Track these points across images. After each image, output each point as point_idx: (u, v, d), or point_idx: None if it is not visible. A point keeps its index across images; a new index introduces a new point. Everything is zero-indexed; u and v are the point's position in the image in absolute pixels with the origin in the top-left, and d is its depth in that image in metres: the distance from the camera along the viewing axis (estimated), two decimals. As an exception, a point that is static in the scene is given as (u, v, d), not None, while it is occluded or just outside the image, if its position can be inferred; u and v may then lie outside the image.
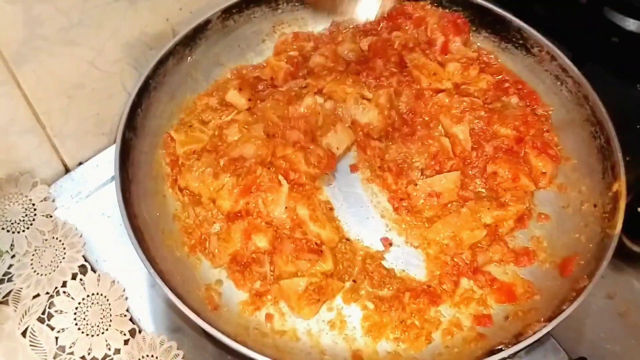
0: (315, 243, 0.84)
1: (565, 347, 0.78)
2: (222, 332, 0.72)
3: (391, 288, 0.84)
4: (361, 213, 0.92)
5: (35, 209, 0.96)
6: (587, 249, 0.82)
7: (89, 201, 1.00)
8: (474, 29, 1.03)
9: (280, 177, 0.88)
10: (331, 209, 0.91)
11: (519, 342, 0.70)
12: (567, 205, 0.90)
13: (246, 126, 0.94)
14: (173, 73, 0.97)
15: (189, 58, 0.99)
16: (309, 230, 0.86)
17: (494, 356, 0.70)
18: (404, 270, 0.87)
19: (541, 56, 0.97)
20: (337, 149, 0.94)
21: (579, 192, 0.90)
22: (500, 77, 0.99)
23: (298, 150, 0.90)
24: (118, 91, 1.02)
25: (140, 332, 0.86)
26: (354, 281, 0.85)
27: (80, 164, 1.05)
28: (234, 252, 0.85)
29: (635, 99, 1.11)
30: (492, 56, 1.02)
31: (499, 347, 0.71)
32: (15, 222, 0.94)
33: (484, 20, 1.02)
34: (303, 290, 0.81)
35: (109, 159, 1.05)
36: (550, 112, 0.96)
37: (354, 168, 0.96)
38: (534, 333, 0.70)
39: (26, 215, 0.95)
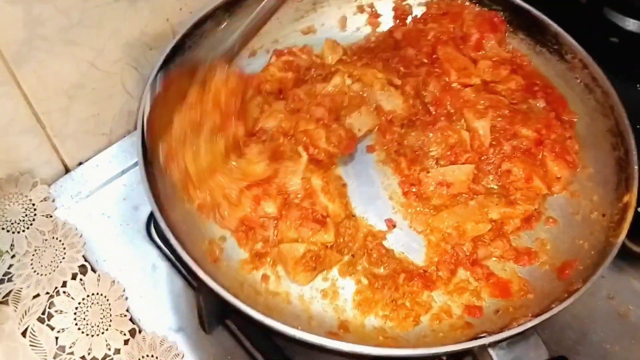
0: (322, 215, 0.85)
1: (565, 346, 0.78)
2: (217, 283, 0.73)
3: (387, 267, 0.85)
4: (370, 193, 0.92)
5: (35, 209, 0.96)
6: (588, 255, 0.83)
7: (89, 201, 1.00)
8: (510, 29, 1.02)
9: (300, 149, 0.89)
10: (344, 185, 0.92)
11: (501, 332, 0.71)
12: (576, 212, 0.89)
13: (266, 104, 0.94)
14: (209, 36, 0.95)
15: (226, 23, 0.97)
16: (318, 201, 0.86)
17: (474, 341, 0.71)
18: (403, 253, 0.87)
19: (574, 63, 0.96)
20: (359, 130, 0.95)
21: (591, 200, 0.89)
22: (530, 80, 0.99)
23: (321, 127, 0.90)
24: (118, 91, 1.02)
25: (140, 332, 0.86)
26: (353, 256, 0.86)
27: (80, 164, 1.05)
28: (243, 216, 0.86)
29: (635, 99, 1.11)
30: (525, 58, 1.01)
31: (482, 334, 0.72)
32: (15, 222, 0.94)
33: (522, 22, 1.01)
34: (301, 256, 0.82)
35: (109, 159, 1.05)
36: (575, 120, 0.95)
37: (370, 149, 0.96)
38: (518, 325, 0.71)
39: (26, 215, 0.95)
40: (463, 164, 0.90)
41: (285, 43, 1.05)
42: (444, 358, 0.75)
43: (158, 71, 0.86)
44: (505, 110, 0.94)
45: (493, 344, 0.70)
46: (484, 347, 0.70)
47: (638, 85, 1.11)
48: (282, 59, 1.01)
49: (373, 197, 0.91)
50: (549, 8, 1.18)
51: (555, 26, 0.97)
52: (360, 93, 0.97)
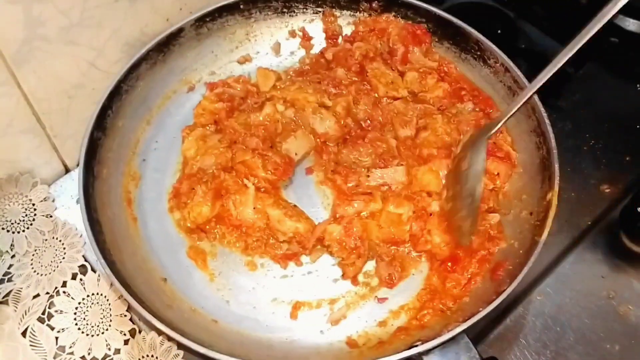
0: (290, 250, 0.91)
1: (564, 345, 0.80)
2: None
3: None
4: (313, 213, 0.94)
5: (35, 209, 0.96)
6: (517, 255, 0.85)
7: (89, 201, 1.00)
8: (436, 39, 1.06)
9: (245, 180, 0.92)
10: (295, 205, 0.94)
11: (434, 339, 0.73)
12: (508, 211, 0.92)
13: (202, 140, 0.97)
14: (145, 77, 0.99)
15: (162, 64, 1.02)
16: (286, 227, 0.89)
17: (409, 350, 0.73)
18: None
19: (496, 68, 1.00)
20: (296, 154, 0.98)
21: (520, 200, 0.92)
22: (458, 85, 1.03)
23: (257, 156, 0.93)
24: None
25: (140, 332, 0.86)
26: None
27: (81, 164, 1.05)
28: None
29: (635, 99, 1.11)
30: (451, 66, 1.05)
31: (416, 343, 0.74)
32: (15, 222, 0.94)
33: (445, 32, 1.04)
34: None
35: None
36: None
37: (309, 170, 0.99)
38: (448, 331, 0.73)
39: (26, 215, 0.95)
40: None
41: (223, 74, 1.09)
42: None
43: (95, 122, 0.90)
44: (435, 116, 0.97)
45: (426, 352, 0.73)
46: (418, 356, 0.73)
47: (638, 86, 1.11)
48: (215, 91, 1.03)
49: (316, 218, 0.93)
50: (549, 9, 1.18)
51: (476, 34, 1.00)
52: (294, 118, 1.00)
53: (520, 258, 0.83)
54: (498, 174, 0.92)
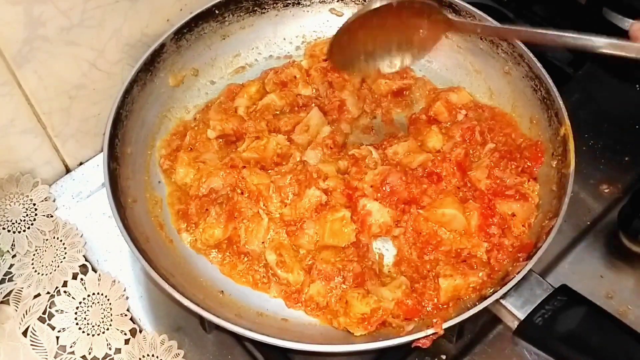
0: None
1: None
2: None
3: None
4: None
5: (36, 209, 0.96)
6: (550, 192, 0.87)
7: (90, 201, 1.00)
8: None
9: (261, 211, 0.89)
10: (297, 250, 0.89)
11: (506, 283, 0.76)
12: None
13: (194, 163, 0.94)
14: (139, 100, 0.96)
15: (151, 83, 0.99)
16: (278, 273, 0.86)
17: (488, 300, 0.75)
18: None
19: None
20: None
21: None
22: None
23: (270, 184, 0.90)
24: (119, 92, 1.02)
25: (140, 331, 0.86)
26: None
27: (81, 164, 1.05)
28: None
29: (635, 99, 1.11)
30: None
31: (491, 292, 0.77)
32: (16, 222, 0.95)
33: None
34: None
35: (109, 159, 1.06)
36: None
37: None
38: (518, 273, 0.76)
39: (27, 215, 0.96)
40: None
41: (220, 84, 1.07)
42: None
43: (108, 153, 0.87)
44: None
45: (504, 296, 0.75)
46: (497, 302, 0.76)
47: (638, 86, 1.12)
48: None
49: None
50: (549, 9, 1.18)
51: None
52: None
53: (555, 194, 0.85)
54: (513, 214, 0.86)
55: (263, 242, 0.87)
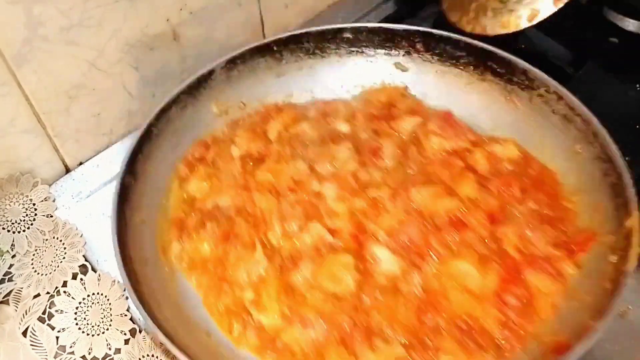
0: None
1: None
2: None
3: None
4: None
5: (35, 209, 0.96)
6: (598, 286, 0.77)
7: (90, 201, 1.00)
8: (479, 73, 0.98)
9: (257, 240, 0.83)
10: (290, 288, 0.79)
11: None
12: None
13: (208, 179, 0.91)
14: (175, 121, 0.93)
15: (193, 107, 0.96)
16: (254, 313, 0.78)
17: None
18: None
19: (547, 97, 0.92)
20: None
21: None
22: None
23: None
24: (119, 91, 1.02)
25: (140, 331, 0.86)
26: None
27: (81, 164, 1.05)
28: None
29: (635, 99, 1.11)
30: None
31: None
32: (16, 222, 0.95)
33: (488, 65, 0.98)
34: None
35: (109, 159, 1.05)
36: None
37: None
38: None
39: (27, 215, 0.95)
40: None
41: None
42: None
43: (127, 164, 0.85)
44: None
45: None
46: None
47: (638, 86, 1.11)
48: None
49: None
50: (549, 8, 1.17)
51: (523, 63, 0.93)
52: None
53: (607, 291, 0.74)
54: (543, 291, 0.76)
55: (248, 275, 0.80)
